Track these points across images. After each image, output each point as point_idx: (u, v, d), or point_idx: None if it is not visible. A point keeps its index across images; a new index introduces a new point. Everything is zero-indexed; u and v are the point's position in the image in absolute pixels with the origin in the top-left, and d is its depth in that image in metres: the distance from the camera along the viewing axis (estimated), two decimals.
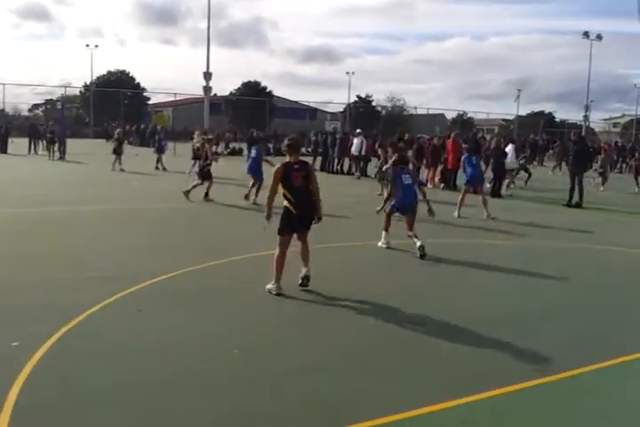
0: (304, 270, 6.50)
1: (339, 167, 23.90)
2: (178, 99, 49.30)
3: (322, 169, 23.88)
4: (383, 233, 8.89)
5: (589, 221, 12.55)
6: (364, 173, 21.72)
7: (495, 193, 16.74)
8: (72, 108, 60.86)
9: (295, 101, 60.75)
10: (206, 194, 13.72)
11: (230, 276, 7.15)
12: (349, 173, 22.97)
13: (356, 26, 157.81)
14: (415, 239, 8.32)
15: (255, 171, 13.72)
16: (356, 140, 22.00)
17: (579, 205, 14.43)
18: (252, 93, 57.08)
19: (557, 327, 5.64)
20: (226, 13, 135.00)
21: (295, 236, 6.58)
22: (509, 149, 18.13)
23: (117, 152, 21.49)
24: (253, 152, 14.30)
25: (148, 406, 3.84)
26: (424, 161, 19.69)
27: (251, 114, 52.72)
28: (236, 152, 37.09)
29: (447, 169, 18.82)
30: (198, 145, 14.94)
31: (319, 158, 24.70)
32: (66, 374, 4.22)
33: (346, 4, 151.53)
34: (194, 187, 13.64)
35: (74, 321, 5.24)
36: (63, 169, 22.01)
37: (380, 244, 8.87)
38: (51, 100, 62.50)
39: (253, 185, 13.55)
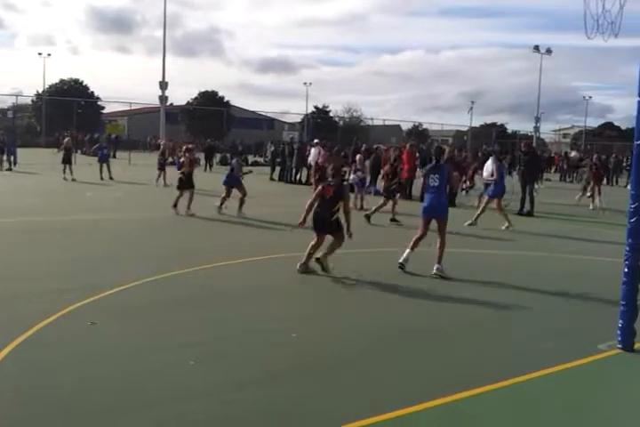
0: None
1: (297, 177, 23.98)
2: (133, 108, 48.71)
3: (280, 179, 23.94)
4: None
5: (541, 229, 12.93)
6: None
7: (450, 202, 17.05)
8: (23, 118, 59.43)
9: (253, 111, 60.73)
10: (188, 206, 13.18)
11: (190, 286, 7.10)
12: (307, 182, 23.07)
13: (312, 38, 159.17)
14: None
15: (237, 182, 13.52)
16: (313, 151, 22.15)
17: (530, 214, 14.83)
18: (210, 103, 56.81)
19: (517, 333, 5.80)
20: (182, 23, 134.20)
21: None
22: (489, 162, 17.69)
23: (67, 161, 21.05)
24: (234, 164, 14.04)
25: (105, 417, 3.80)
26: (381, 171, 20.01)
27: (208, 124, 52.41)
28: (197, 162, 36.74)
29: (403, 178, 19.06)
30: (183, 159, 14.22)
31: (277, 168, 24.73)
32: (16, 386, 4.14)
33: (301, 17, 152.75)
34: (223, 201, 13.38)
35: (28, 333, 5.14)
36: (12, 179, 21.47)
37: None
38: (1, 108, 60.99)
39: (227, 196, 13.39)
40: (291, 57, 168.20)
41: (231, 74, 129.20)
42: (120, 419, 3.79)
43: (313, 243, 7.94)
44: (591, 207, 17.19)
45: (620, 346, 5.31)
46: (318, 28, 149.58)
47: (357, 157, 16.25)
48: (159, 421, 3.78)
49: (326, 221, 7.84)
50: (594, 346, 5.33)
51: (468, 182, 20.08)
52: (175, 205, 13.11)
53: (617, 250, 7.66)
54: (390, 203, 13.31)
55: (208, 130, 49.99)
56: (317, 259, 7.89)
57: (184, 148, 14.45)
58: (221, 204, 13.34)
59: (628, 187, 17.96)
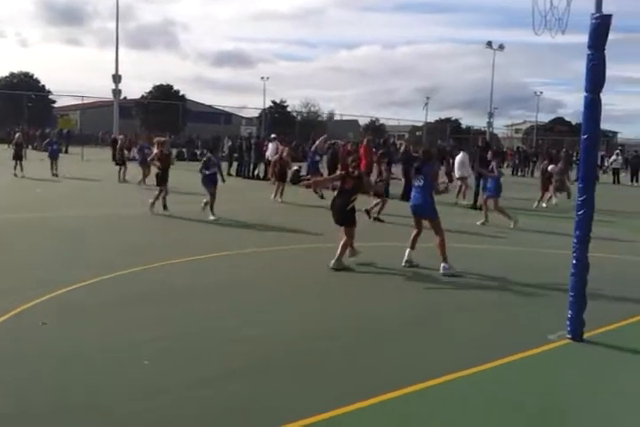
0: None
1: (255, 172, 23.85)
2: (86, 102, 47.53)
3: (237, 174, 23.76)
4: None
5: (495, 223, 13.17)
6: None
7: (405, 196, 17.23)
8: None
9: (209, 106, 60.04)
10: (164, 205, 12.62)
11: (145, 283, 7.01)
12: (265, 178, 22.96)
13: (268, 32, 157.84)
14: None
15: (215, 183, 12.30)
16: (270, 146, 22.07)
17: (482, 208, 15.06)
18: (165, 97, 55.89)
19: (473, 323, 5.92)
20: (135, 15, 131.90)
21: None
22: (460, 156, 17.36)
23: (18, 157, 20.46)
24: (213, 161, 12.55)
25: (55, 417, 3.73)
26: (339, 166, 20.12)
27: (163, 118, 51.62)
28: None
29: None
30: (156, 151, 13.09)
31: (235, 164, 24.53)
32: None
33: (257, 10, 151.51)
34: (157, 198, 12.55)
35: None
36: None
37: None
38: None
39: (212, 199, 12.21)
40: (247, 51, 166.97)
41: (186, 67, 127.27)
42: (70, 419, 3.72)
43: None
44: (554, 202, 17.40)
45: (569, 336, 5.46)
46: (274, 22, 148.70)
47: (317, 141, 16.68)
48: (112, 420, 3.73)
49: (341, 212, 8.05)
50: (545, 336, 5.47)
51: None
52: (164, 206, 12.56)
53: (601, 244, 7.94)
54: (379, 200, 12.91)
55: (163, 124, 49.20)
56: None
57: (156, 141, 13.49)
58: (206, 204, 12.25)
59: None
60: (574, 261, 5.47)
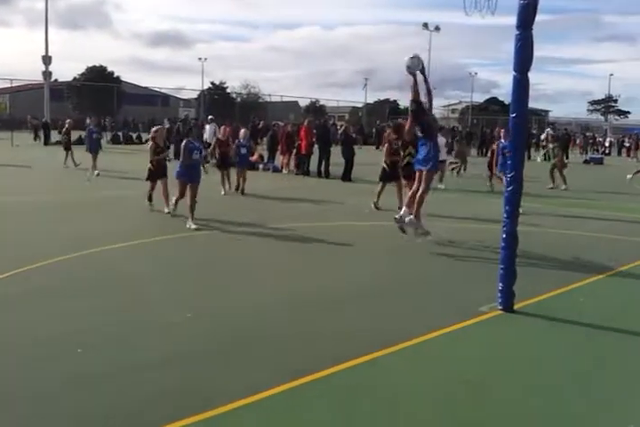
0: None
1: None
2: (15, 85, 45.51)
3: (176, 157, 23.33)
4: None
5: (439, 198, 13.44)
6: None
7: (345, 177, 17.40)
8: None
9: (146, 87, 58.56)
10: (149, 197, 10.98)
11: (78, 271, 6.85)
12: (204, 160, 22.65)
13: (205, 11, 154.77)
14: None
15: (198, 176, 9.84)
16: (208, 127, 21.76)
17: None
18: (98, 79, 54.08)
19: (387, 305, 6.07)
20: None
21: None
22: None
23: None
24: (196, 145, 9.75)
25: None
26: (279, 147, 20.08)
27: (97, 101, 50.00)
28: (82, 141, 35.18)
29: (301, 155, 19.21)
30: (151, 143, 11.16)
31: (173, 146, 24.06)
32: None
33: None
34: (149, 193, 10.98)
35: None
36: None
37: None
38: None
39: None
40: (184, 31, 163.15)
41: (121, 48, 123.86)
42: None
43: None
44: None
45: (500, 307, 5.68)
46: (212, 2, 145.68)
47: (241, 131, 14.65)
48: (45, 412, 3.66)
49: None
50: (476, 308, 5.68)
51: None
52: (150, 199, 10.98)
53: (532, 219, 8.12)
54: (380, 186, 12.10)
55: (97, 107, 47.66)
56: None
57: (153, 130, 11.30)
58: (176, 203, 10.15)
59: (539, 159, 18.11)
60: (504, 235, 5.67)
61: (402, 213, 8.43)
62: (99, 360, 4.37)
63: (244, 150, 14.15)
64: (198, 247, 8.37)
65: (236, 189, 13.75)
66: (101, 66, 60.15)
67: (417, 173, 8.52)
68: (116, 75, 59.78)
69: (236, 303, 5.77)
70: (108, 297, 5.87)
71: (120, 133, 35.68)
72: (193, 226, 9.23)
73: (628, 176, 18.78)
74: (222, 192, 13.46)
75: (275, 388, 3.94)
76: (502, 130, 13.26)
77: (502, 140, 12.72)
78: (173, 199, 10.12)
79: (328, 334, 5.04)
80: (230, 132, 17.79)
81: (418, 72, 8.60)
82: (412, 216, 8.28)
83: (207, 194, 11.08)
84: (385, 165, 11.51)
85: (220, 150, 13.68)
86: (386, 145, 11.87)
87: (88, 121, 22.19)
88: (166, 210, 10.47)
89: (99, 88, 49.42)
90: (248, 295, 6.04)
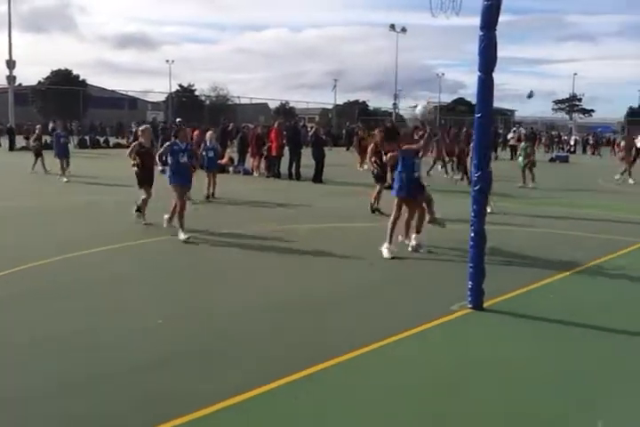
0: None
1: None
2: None
3: None
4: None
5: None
6: None
7: (316, 178, 17.41)
8: None
9: (113, 91, 57.83)
10: (138, 210, 10.03)
11: (46, 277, 6.73)
12: None
13: (171, 13, 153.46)
14: None
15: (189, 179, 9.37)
16: None
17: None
18: (64, 82, 53.24)
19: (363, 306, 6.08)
20: None
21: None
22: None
23: None
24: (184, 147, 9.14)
25: None
26: (249, 150, 20.02)
27: (63, 104, 49.20)
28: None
29: (271, 157, 19.16)
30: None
31: None
32: None
33: None
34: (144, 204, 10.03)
35: None
36: None
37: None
38: None
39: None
40: (150, 33, 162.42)
41: (86, 51, 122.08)
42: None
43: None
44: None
45: (470, 306, 5.73)
46: (179, 4, 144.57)
47: (208, 134, 14.04)
48: (33, 413, 3.59)
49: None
50: (447, 307, 5.72)
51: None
52: (138, 210, 9.98)
53: (501, 217, 8.17)
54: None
55: (63, 111, 46.92)
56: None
57: (139, 130, 10.70)
58: (172, 216, 9.31)
59: (520, 159, 17.98)
60: (472, 234, 5.72)
61: (414, 242, 8.19)
62: (82, 364, 4.33)
63: (211, 153, 13.52)
64: (168, 252, 8.27)
65: (207, 196, 13.09)
66: (66, 69, 59.24)
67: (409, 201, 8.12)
68: (81, 78, 58.95)
69: (211, 305, 5.73)
70: (89, 300, 5.82)
71: (87, 138, 35.17)
72: (184, 237, 8.55)
73: (616, 177, 19.22)
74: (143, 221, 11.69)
75: (255, 389, 3.93)
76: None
77: None
78: (166, 216, 9.27)
79: (303, 336, 5.03)
80: (199, 135, 17.67)
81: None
82: (419, 235, 8.19)
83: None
84: (373, 167, 11.28)
85: (142, 160, 10.68)
86: (371, 145, 11.65)
87: (52, 125, 21.80)
88: (134, 213, 9.98)
89: (64, 92, 48.68)
90: (225, 298, 6.00)
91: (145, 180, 10.03)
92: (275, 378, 4.10)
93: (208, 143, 13.70)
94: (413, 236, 8.22)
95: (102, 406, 3.74)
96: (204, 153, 13.22)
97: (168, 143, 9.27)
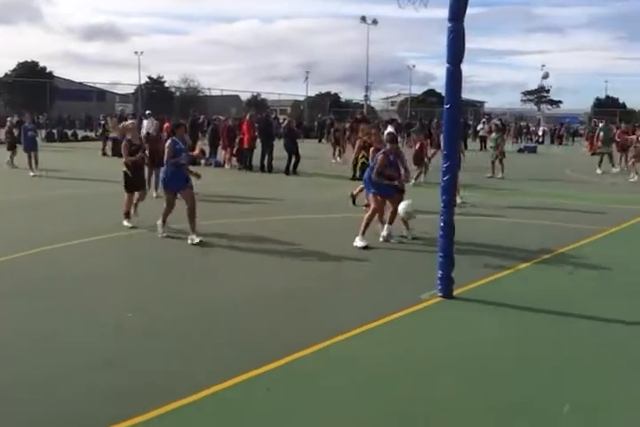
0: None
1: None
2: None
3: (114, 154, 22.80)
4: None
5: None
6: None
7: (288, 170, 17.41)
8: None
9: (80, 83, 56.85)
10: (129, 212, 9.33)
11: (10, 275, 6.65)
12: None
13: (140, 4, 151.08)
14: None
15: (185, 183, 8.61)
16: (145, 123, 21.31)
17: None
18: (30, 75, 52.14)
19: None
20: None
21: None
22: (390, 129, 14.96)
23: None
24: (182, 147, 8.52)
25: None
26: (220, 142, 19.91)
27: (29, 97, 48.18)
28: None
29: (243, 149, 19.08)
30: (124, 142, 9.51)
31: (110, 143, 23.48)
32: None
33: None
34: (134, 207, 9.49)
35: None
36: None
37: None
38: None
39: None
40: (119, 24, 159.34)
41: (53, 43, 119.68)
42: None
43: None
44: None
45: (440, 294, 5.83)
46: None
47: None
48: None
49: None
50: (417, 296, 5.81)
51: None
52: (127, 214, 9.25)
53: (470, 208, 8.22)
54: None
55: (30, 104, 45.96)
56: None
57: (123, 125, 10.25)
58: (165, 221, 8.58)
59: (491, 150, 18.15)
60: (442, 224, 5.81)
61: (385, 233, 8.31)
62: (46, 362, 4.29)
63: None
64: (128, 247, 8.21)
65: None
66: (33, 61, 58.03)
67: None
68: (48, 70, 57.81)
69: (176, 303, 5.73)
70: (55, 298, 5.75)
71: (55, 131, 34.52)
72: (196, 240, 7.94)
73: (598, 171, 19.36)
74: (154, 194, 11.47)
75: (216, 385, 3.93)
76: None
77: None
78: (159, 222, 8.42)
79: (274, 328, 5.07)
80: (169, 128, 17.43)
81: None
82: (390, 226, 8.31)
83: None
84: (364, 159, 11.28)
85: (150, 147, 11.25)
86: (358, 141, 11.52)
87: (16, 118, 21.30)
88: (126, 223, 9.11)
89: (31, 84, 47.66)
90: (194, 292, 6.00)
91: (136, 183, 9.31)
92: (238, 373, 4.08)
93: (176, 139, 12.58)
94: (385, 226, 8.31)
95: (63, 405, 3.72)
96: None
97: (169, 142, 8.44)
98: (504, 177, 16.83)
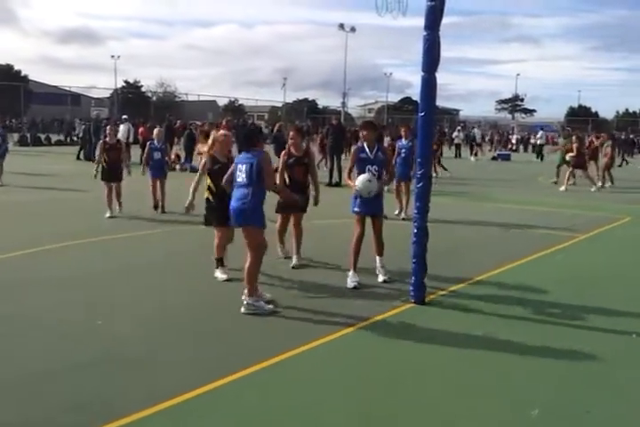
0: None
1: None
2: None
3: (87, 158, 22.56)
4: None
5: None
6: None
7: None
8: None
9: (55, 86, 56.22)
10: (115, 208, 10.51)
11: None
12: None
13: (117, 8, 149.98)
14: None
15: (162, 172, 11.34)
16: (122, 127, 21.16)
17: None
18: (5, 78, 51.41)
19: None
20: None
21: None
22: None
23: None
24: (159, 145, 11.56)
25: None
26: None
27: (3, 100, 47.53)
28: None
29: None
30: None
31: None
32: None
33: None
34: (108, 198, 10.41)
35: None
36: None
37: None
38: None
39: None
40: (95, 28, 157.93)
41: (29, 46, 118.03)
42: None
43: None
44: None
45: (413, 300, 5.86)
46: None
47: (155, 131, 12.41)
48: None
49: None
50: (390, 302, 5.83)
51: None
52: (109, 204, 10.38)
53: (443, 213, 8.23)
54: None
55: (4, 107, 45.32)
56: None
57: (214, 138, 9.83)
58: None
59: (472, 158, 18.14)
60: (415, 230, 5.84)
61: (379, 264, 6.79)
62: (6, 369, 4.21)
63: (157, 155, 11.32)
64: (116, 250, 8.12)
65: (155, 206, 11.09)
66: (7, 64, 57.31)
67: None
68: (23, 73, 57.11)
69: (146, 311, 5.68)
70: (20, 303, 5.65)
71: (28, 135, 34.04)
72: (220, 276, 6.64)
73: (559, 186, 18.94)
74: (107, 213, 10.25)
75: (183, 395, 3.87)
76: (403, 128, 11.98)
77: (403, 140, 11.54)
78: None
79: (237, 337, 5.04)
80: (145, 132, 17.16)
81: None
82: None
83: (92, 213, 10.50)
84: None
85: (109, 156, 10.40)
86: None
87: None
88: (107, 214, 10.14)
89: (4, 88, 47.01)
90: (159, 300, 5.95)
91: (112, 175, 10.28)
92: (196, 387, 3.99)
93: (156, 142, 11.59)
94: (378, 259, 6.76)
95: (27, 412, 3.65)
96: (149, 154, 11.42)
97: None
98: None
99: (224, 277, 6.51)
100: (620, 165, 26.68)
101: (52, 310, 5.49)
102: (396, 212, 11.16)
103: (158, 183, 11.14)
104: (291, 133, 7.57)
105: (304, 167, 7.26)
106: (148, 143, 11.73)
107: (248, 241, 5.58)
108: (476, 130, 36.40)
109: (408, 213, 10.32)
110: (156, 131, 12.40)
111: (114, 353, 4.55)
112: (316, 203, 7.26)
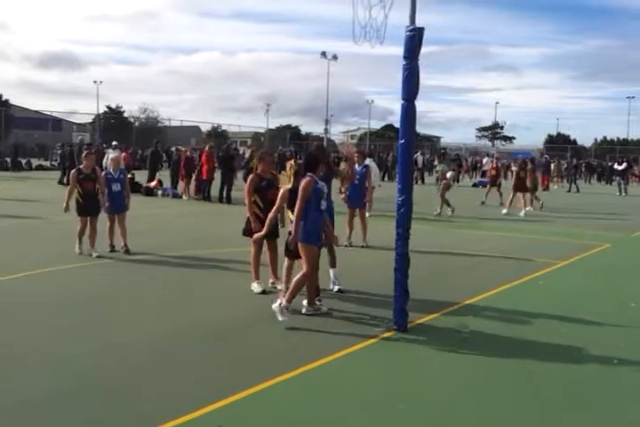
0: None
1: None
2: None
3: (68, 183, 22.36)
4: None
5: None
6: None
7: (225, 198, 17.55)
8: None
9: (36, 111, 56.11)
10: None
11: None
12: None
13: (100, 33, 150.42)
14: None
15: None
16: (111, 155, 20.99)
17: None
18: None
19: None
20: None
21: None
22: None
23: None
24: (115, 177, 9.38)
25: None
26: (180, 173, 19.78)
27: None
28: None
29: (202, 180, 18.99)
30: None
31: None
32: None
33: (88, 11, 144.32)
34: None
35: None
36: None
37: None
38: None
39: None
40: (77, 53, 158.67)
41: (9, 70, 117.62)
42: None
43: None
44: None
45: (395, 327, 5.82)
46: (108, 25, 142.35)
47: (110, 157, 12.21)
48: None
49: None
50: (371, 330, 5.79)
51: None
52: (80, 238, 9.11)
53: (423, 241, 8.23)
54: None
55: None
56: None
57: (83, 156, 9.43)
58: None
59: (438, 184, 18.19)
60: (396, 257, 5.84)
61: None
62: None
63: (116, 187, 9.36)
64: (88, 277, 8.01)
65: (111, 248, 9.38)
66: None
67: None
68: (4, 98, 56.92)
69: (134, 337, 5.58)
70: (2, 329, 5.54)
71: (8, 160, 33.75)
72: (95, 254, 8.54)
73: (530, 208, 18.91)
74: (76, 249, 9.15)
75: (167, 423, 3.81)
76: (357, 154, 10.87)
77: (356, 166, 10.58)
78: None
79: (228, 361, 4.97)
80: (127, 158, 17.14)
81: None
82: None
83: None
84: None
85: (83, 187, 9.06)
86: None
87: None
88: (77, 250, 9.06)
89: None
90: (140, 328, 5.86)
91: (89, 208, 8.97)
92: (188, 411, 3.96)
93: (110, 171, 9.56)
94: (331, 271, 7.38)
95: None
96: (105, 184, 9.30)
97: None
98: (453, 210, 16.47)
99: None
100: (568, 191, 29.27)
101: (36, 338, 5.38)
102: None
103: (117, 220, 9.42)
104: (264, 158, 7.44)
105: (276, 190, 7.20)
106: (104, 173, 9.50)
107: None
108: (419, 156, 35.64)
109: (367, 241, 10.36)
110: (111, 156, 10.75)
111: (89, 384, 4.45)
112: (283, 225, 7.40)
